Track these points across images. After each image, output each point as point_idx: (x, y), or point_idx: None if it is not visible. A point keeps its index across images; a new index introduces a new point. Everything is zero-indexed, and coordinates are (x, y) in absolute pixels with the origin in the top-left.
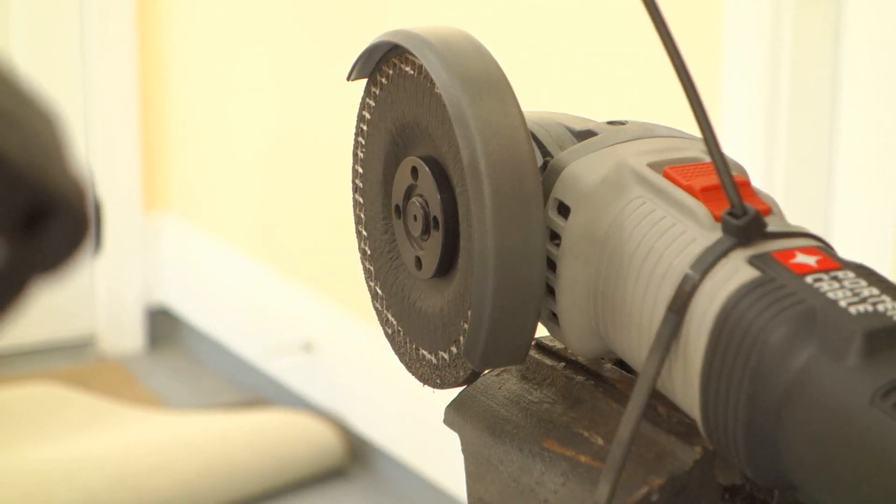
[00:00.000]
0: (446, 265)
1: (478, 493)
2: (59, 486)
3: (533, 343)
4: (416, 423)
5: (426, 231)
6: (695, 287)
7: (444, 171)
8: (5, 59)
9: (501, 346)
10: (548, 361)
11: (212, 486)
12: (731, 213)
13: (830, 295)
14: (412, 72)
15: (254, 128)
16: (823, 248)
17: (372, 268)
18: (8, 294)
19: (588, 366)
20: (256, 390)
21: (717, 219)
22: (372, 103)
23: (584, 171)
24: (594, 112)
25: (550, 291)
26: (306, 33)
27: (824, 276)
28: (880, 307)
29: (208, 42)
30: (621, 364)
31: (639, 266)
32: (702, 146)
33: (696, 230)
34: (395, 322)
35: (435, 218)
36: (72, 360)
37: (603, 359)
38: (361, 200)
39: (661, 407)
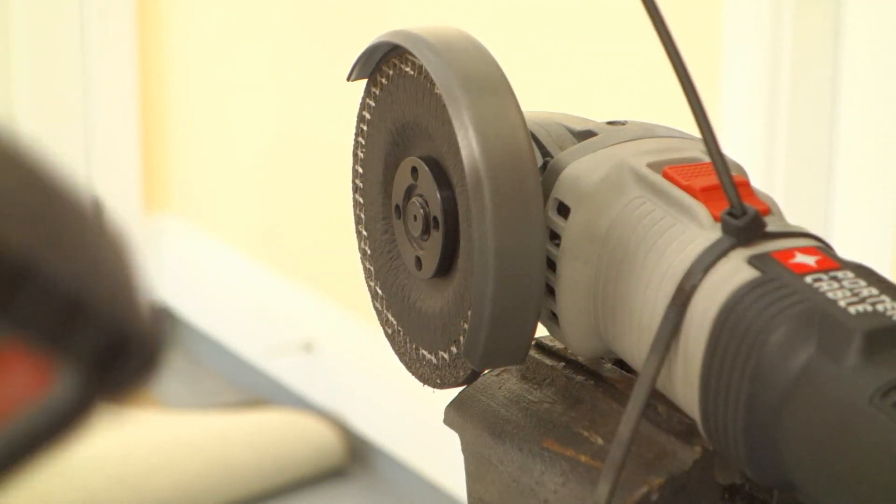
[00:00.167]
0: (446, 265)
1: (478, 493)
2: (59, 486)
3: (533, 343)
4: (416, 423)
5: (426, 231)
6: (694, 287)
7: (444, 171)
8: (85, 193)
9: (501, 346)
10: (548, 361)
11: (212, 486)
12: (730, 213)
13: (830, 295)
14: (412, 72)
15: (254, 128)
16: (823, 248)
17: (372, 268)
18: (75, 420)
19: (588, 366)
20: (256, 390)
21: (716, 219)
22: (372, 103)
23: (583, 171)
24: (594, 112)
25: (550, 291)
26: (306, 33)
27: (824, 276)
28: (880, 307)
29: (208, 42)
30: (621, 364)
31: (639, 266)
32: (701, 146)
33: (696, 230)
34: (395, 322)
35: (435, 218)
36: None
37: (603, 359)
38: (361, 200)
39: (661, 407)
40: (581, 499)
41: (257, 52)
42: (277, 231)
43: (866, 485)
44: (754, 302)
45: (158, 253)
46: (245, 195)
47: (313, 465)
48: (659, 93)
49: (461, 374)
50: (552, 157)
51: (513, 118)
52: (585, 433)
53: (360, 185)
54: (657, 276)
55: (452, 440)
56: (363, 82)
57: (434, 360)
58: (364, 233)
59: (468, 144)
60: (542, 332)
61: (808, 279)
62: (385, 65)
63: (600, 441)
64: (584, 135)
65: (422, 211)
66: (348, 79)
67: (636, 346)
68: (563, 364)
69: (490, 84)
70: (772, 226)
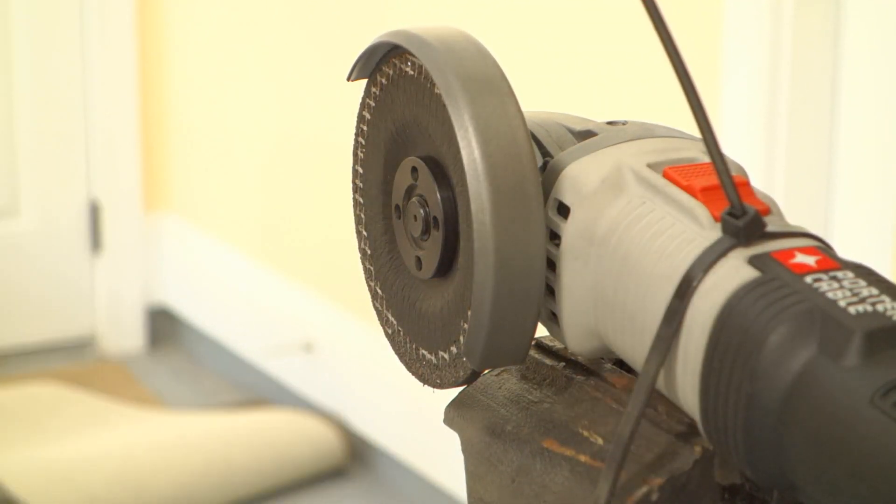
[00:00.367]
0: (446, 265)
1: (478, 492)
2: (59, 486)
3: (533, 343)
4: (416, 423)
5: (426, 231)
6: (694, 287)
7: (444, 171)
8: None
9: (501, 346)
10: (548, 361)
11: (212, 486)
12: (730, 213)
13: (830, 295)
14: (412, 72)
15: (254, 128)
16: (823, 248)
17: (372, 268)
18: None
19: (588, 366)
20: (256, 390)
21: (716, 219)
22: (372, 103)
23: (583, 171)
24: (594, 112)
25: (550, 291)
26: (306, 33)
27: (824, 276)
28: (880, 307)
29: (208, 42)
30: (621, 364)
31: (639, 266)
32: (701, 146)
33: (696, 230)
34: (395, 322)
35: (435, 218)
36: (72, 360)
37: (603, 359)
38: (361, 200)
39: (661, 407)
40: (581, 499)
41: (257, 53)
42: (277, 231)
43: (866, 484)
44: (754, 302)
45: (158, 253)
46: (245, 195)
47: (313, 465)
48: (659, 93)
49: (461, 374)
50: (552, 157)
51: (513, 118)
52: (585, 433)
53: (360, 185)
54: (657, 276)
55: (452, 440)
56: (363, 82)
57: (434, 360)
58: (364, 233)
59: (468, 144)
60: (542, 332)
61: (808, 279)
62: (385, 65)
63: (600, 441)
64: (584, 135)
65: (422, 211)
66: (348, 79)
67: (636, 346)
68: (563, 364)
69: (490, 84)
70: (772, 226)
